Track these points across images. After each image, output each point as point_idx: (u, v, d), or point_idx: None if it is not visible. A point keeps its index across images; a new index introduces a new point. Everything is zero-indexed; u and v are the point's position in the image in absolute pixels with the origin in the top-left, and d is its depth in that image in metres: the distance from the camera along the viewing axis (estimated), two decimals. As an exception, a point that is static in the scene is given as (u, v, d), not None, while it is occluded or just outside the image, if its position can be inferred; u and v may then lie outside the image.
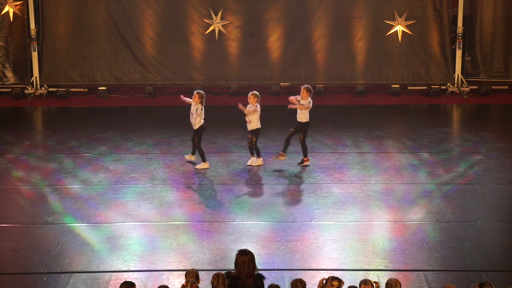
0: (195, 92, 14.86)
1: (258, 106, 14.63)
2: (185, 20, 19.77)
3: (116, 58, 19.86)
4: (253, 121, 14.69)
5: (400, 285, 8.51)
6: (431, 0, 19.66)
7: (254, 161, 14.91)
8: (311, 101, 14.64)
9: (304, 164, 14.91)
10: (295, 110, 14.72)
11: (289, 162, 15.09)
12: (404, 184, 14.06)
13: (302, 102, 14.60)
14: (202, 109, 14.61)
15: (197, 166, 14.85)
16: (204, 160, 14.85)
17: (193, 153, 15.04)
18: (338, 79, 20.04)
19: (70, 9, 19.66)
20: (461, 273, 10.84)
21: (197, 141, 14.77)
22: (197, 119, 14.64)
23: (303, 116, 14.68)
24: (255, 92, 14.74)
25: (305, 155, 14.93)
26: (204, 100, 14.67)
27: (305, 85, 14.84)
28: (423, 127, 17.51)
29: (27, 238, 11.98)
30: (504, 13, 19.72)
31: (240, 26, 19.78)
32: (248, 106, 14.68)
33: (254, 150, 14.89)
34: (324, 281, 8.55)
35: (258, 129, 14.76)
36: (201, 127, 14.69)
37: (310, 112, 14.74)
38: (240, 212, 12.91)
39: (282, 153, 14.93)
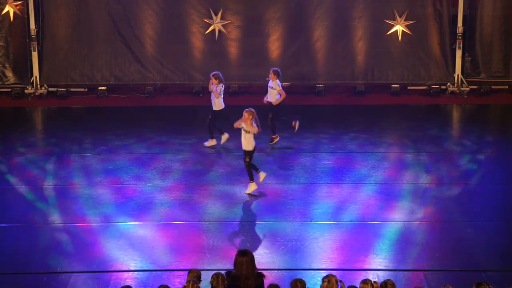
0: (211, 76, 15.66)
1: (254, 123, 13.40)
2: (185, 20, 19.76)
3: (116, 58, 19.85)
4: (246, 141, 13.52)
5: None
6: (431, 0, 19.66)
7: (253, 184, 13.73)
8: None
9: (274, 142, 15.83)
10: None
11: (289, 162, 15.11)
12: (404, 184, 14.06)
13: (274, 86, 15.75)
14: (219, 89, 15.49)
15: (206, 143, 15.77)
16: (212, 137, 15.81)
17: (212, 137, 15.91)
18: (338, 79, 20.03)
19: (70, 9, 19.65)
20: (461, 273, 10.85)
21: (211, 119, 15.70)
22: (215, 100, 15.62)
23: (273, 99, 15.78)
24: (251, 109, 13.48)
25: (274, 133, 15.89)
26: (220, 80, 15.59)
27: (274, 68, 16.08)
28: (423, 127, 17.51)
29: (27, 238, 11.99)
30: (504, 13, 19.71)
31: (240, 26, 19.77)
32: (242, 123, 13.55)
33: (247, 171, 13.68)
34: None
35: (250, 151, 13.56)
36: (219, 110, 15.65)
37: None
38: (240, 212, 12.92)
39: (274, 136, 15.88)
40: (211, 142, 15.87)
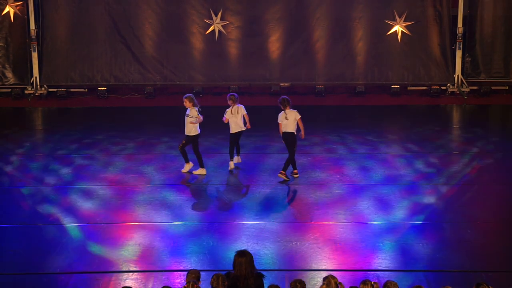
0: (184, 98, 14.25)
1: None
2: (185, 20, 19.78)
3: (116, 58, 19.87)
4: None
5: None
6: (431, 0, 19.67)
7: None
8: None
9: (294, 174, 14.24)
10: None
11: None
12: (403, 184, 14.06)
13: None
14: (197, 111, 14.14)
15: (194, 172, 14.54)
16: (202, 166, 14.50)
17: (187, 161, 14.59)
18: (338, 79, 20.05)
19: (70, 9, 19.68)
20: (461, 273, 10.84)
21: (194, 148, 14.37)
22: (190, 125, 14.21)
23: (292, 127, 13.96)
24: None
25: (295, 167, 14.27)
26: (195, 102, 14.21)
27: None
28: (423, 127, 17.52)
29: (27, 238, 11.99)
30: (504, 13, 19.74)
31: (240, 27, 19.79)
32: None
33: (231, 151, 14.49)
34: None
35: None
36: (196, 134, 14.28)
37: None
38: (240, 212, 12.92)
39: (295, 171, 14.26)
40: (187, 167, 14.55)
